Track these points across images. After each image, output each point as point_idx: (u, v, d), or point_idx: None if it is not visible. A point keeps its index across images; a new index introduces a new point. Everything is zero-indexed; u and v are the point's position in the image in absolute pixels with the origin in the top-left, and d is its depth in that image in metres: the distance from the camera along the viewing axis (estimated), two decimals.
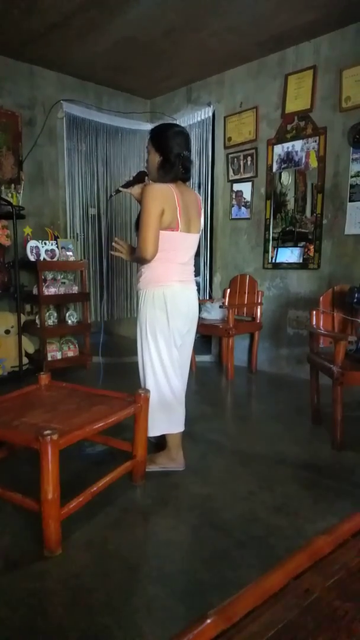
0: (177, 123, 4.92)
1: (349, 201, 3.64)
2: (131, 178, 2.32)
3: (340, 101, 3.61)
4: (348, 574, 0.82)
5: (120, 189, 2.33)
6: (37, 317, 4.13)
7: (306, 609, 0.73)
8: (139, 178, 2.28)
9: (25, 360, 4.04)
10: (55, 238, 4.28)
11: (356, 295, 2.70)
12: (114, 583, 1.53)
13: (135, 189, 2.25)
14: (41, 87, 4.44)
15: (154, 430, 2.26)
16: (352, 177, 3.62)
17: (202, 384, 4.01)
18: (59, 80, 4.56)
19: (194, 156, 4.89)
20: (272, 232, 4.23)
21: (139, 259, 2.14)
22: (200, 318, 4.51)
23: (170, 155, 2.11)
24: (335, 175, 3.74)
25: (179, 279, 2.18)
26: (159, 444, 2.45)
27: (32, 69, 4.36)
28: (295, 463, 2.43)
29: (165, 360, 2.22)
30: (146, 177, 2.27)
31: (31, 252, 4.03)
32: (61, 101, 4.54)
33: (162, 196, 2.03)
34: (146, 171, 2.27)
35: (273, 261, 4.24)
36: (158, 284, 2.15)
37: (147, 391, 2.17)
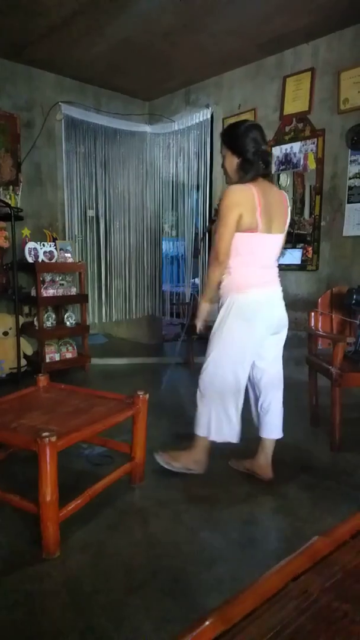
0: (174, 124, 4.96)
1: (347, 203, 3.65)
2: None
3: (339, 103, 3.62)
4: (347, 575, 0.81)
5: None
6: (35, 318, 4.13)
7: (305, 611, 0.73)
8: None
9: (23, 362, 4.03)
10: (54, 240, 4.28)
11: (354, 296, 2.70)
12: (112, 585, 1.53)
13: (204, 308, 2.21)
14: (40, 89, 4.44)
15: (201, 430, 2.20)
16: (350, 178, 3.63)
17: None
18: (58, 82, 4.57)
19: (192, 158, 4.91)
20: None
21: (209, 264, 2.09)
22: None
23: (248, 154, 1.99)
24: (333, 177, 3.75)
25: (260, 284, 2.08)
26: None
27: (31, 70, 4.36)
28: (294, 465, 2.43)
29: (238, 371, 2.11)
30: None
31: (29, 253, 4.03)
32: (60, 103, 4.54)
33: (239, 200, 1.94)
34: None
35: None
36: (238, 291, 2.05)
37: (146, 393, 2.16)
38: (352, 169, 3.61)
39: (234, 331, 2.07)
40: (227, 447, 2.31)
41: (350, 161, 3.61)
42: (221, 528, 1.86)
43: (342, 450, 2.55)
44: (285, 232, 2.14)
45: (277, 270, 2.18)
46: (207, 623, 0.67)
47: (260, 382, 2.23)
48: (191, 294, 5.21)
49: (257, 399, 2.28)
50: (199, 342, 5.08)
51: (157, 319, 5.65)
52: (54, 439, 1.61)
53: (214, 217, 2.11)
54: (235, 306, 2.05)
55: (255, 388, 2.27)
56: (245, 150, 2.00)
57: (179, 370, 4.45)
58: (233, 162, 2.06)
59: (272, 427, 2.26)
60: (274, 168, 4.16)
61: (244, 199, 1.94)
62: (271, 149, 2.07)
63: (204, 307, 2.18)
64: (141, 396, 2.13)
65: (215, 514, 1.96)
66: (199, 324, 2.20)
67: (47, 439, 1.59)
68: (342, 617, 0.71)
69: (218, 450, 2.57)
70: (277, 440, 2.75)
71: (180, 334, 4.47)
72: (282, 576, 0.79)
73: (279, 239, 2.10)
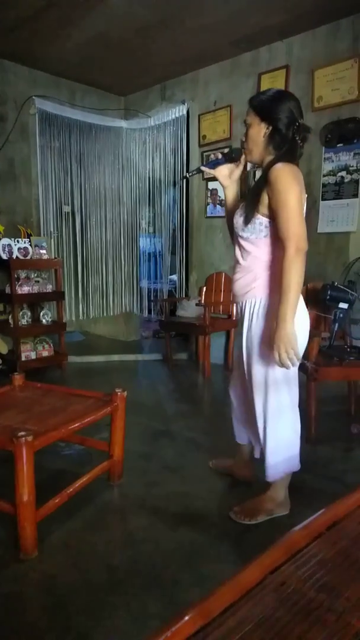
0: (150, 119, 4.93)
1: (321, 200, 3.70)
2: (219, 157, 1.90)
3: (313, 101, 3.67)
4: (323, 566, 0.83)
5: (204, 168, 1.94)
6: (10, 316, 4.05)
7: (282, 603, 0.74)
8: (232, 157, 1.87)
9: None
10: (28, 236, 4.21)
11: (329, 292, 2.75)
12: (91, 583, 1.52)
13: (223, 170, 1.89)
14: (12, 82, 4.35)
15: (276, 475, 1.87)
16: (324, 176, 3.68)
17: (179, 382, 4.02)
18: (31, 76, 4.48)
19: (168, 154, 4.90)
20: None
21: (294, 257, 1.58)
22: (176, 316, 4.54)
23: (280, 123, 1.67)
24: (307, 174, 3.79)
25: None
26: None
27: (3, 64, 4.27)
28: None
29: (295, 388, 1.82)
30: (242, 157, 1.86)
31: (3, 250, 3.95)
32: (33, 97, 4.46)
33: (300, 179, 1.63)
34: (243, 149, 1.84)
35: None
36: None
37: (124, 390, 2.15)
38: (326, 167, 3.66)
39: (298, 343, 1.69)
40: (204, 443, 2.33)
41: (324, 159, 3.66)
42: (200, 523, 1.87)
43: (318, 443, 2.60)
44: None
45: None
46: (186, 618, 0.67)
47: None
48: (169, 290, 5.22)
49: (243, 407, 2.06)
50: (176, 338, 5.10)
51: (135, 316, 5.63)
52: (30, 438, 1.59)
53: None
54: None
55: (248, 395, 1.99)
56: (277, 118, 1.67)
57: (158, 367, 4.45)
58: (260, 132, 1.71)
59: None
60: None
61: (300, 180, 1.64)
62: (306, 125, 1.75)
63: (291, 326, 1.62)
64: (119, 394, 2.12)
65: (193, 510, 1.97)
66: (296, 351, 1.65)
67: (24, 438, 1.57)
68: (318, 607, 0.73)
69: (196, 447, 2.59)
70: None
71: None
72: (260, 569, 0.80)
73: None
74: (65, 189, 4.92)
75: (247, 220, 1.72)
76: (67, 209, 5.00)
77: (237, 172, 1.92)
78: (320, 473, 2.29)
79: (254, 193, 1.72)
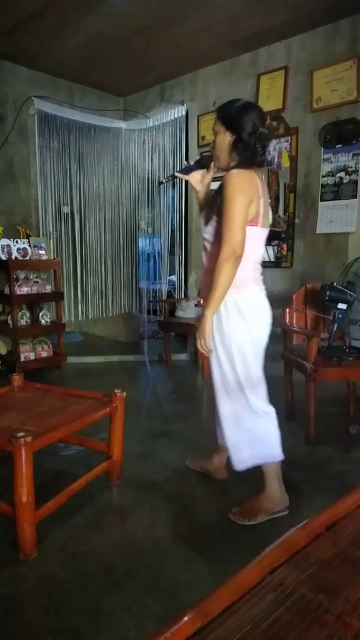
0: (149, 120, 4.93)
1: (320, 201, 3.71)
2: (191, 163, 2.01)
3: (312, 102, 3.67)
4: (322, 566, 0.83)
5: (177, 174, 2.03)
6: (9, 317, 4.05)
7: (281, 603, 0.74)
8: (202, 164, 1.98)
9: None
10: (27, 236, 4.21)
11: (328, 293, 2.75)
12: (90, 584, 1.52)
13: (195, 176, 1.98)
14: (11, 83, 4.35)
15: (241, 464, 1.93)
16: (323, 177, 3.68)
17: (178, 383, 4.02)
18: (30, 77, 4.48)
19: (167, 155, 4.90)
20: None
21: (226, 260, 1.70)
22: (175, 317, 4.53)
23: (243, 133, 1.77)
24: (306, 175, 3.80)
25: (257, 280, 1.89)
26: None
27: (2, 64, 4.27)
28: None
29: (252, 376, 1.87)
30: (212, 164, 1.96)
31: (2, 250, 3.95)
32: (32, 98, 4.46)
33: (249, 186, 1.72)
34: (212, 156, 1.94)
35: None
36: (241, 288, 1.80)
37: (123, 391, 2.15)
38: (325, 167, 3.66)
39: (242, 336, 1.83)
40: (204, 443, 2.33)
41: (323, 159, 3.67)
42: (199, 524, 1.87)
43: (317, 443, 2.60)
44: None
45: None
46: (185, 619, 0.67)
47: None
48: (168, 291, 5.21)
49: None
50: (175, 338, 5.10)
51: (134, 316, 5.63)
52: (29, 439, 1.59)
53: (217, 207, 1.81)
54: (240, 306, 1.82)
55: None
56: (241, 128, 1.77)
57: (157, 368, 4.45)
58: (226, 140, 1.82)
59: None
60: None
61: (252, 186, 1.74)
62: (267, 134, 1.87)
63: (211, 322, 1.79)
64: (118, 394, 2.12)
65: (193, 510, 1.97)
66: (206, 344, 1.82)
67: (23, 439, 1.57)
68: (317, 608, 0.73)
69: (196, 447, 2.59)
70: None
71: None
72: (260, 570, 0.80)
73: (267, 232, 1.92)
74: (64, 190, 4.92)
75: (206, 222, 1.85)
76: (66, 209, 5.00)
77: (209, 177, 2.03)
78: (319, 473, 2.29)
79: (214, 196, 1.85)
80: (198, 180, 2.01)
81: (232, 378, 1.87)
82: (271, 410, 1.94)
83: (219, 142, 1.85)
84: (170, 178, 2.12)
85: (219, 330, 1.85)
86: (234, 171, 1.74)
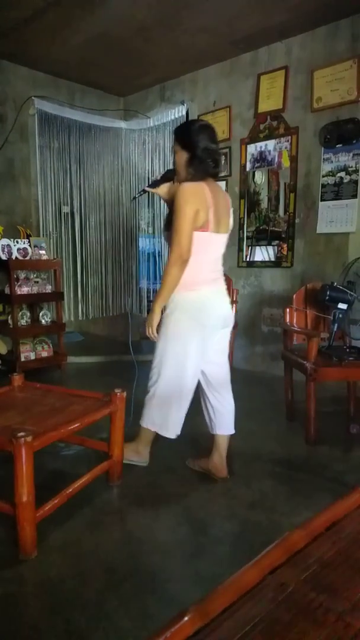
0: (149, 120, 4.94)
1: (320, 200, 3.70)
2: (158, 177, 2.24)
3: (312, 101, 3.67)
4: (322, 566, 0.83)
5: (147, 188, 2.25)
6: (9, 317, 4.05)
7: (282, 603, 0.74)
8: (167, 177, 2.20)
9: None
10: (28, 236, 4.21)
11: (328, 292, 2.75)
12: (91, 584, 1.52)
13: (162, 189, 2.20)
14: (12, 83, 4.35)
15: (146, 422, 2.23)
16: (323, 176, 3.68)
17: None
18: (31, 77, 4.48)
19: (167, 155, 4.89)
20: (246, 231, 4.26)
21: (173, 263, 1.96)
22: None
23: (197, 150, 2.01)
24: (307, 174, 3.80)
25: (209, 281, 2.09)
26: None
27: (3, 64, 4.27)
28: (271, 459, 2.46)
29: (187, 368, 2.10)
30: (175, 177, 2.18)
31: (2, 250, 3.95)
32: (33, 97, 4.46)
33: (196, 196, 1.94)
34: (174, 170, 2.17)
35: (247, 260, 4.28)
36: (188, 288, 2.03)
37: (123, 391, 2.15)
38: (325, 167, 3.66)
39: (182, 329, 2.06)
40: (203, 443, 2.33)
41: (323, 159, 3.66)
42: (199, 524, 1.87)
43: (317, 443, 2.60)
44: (229, 233, 2.19)
45: (222, 268, 2.22)
46: (186, 618, 0.67)
47: (212, 381, 2.24)
48: None
49: (209, 398, 2.27)
50: None
51: (135, 316, 5.63)
52: (29, 439, 1.59)
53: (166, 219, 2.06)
54: (183, 303, 2.05)
55: (208, 387, 2.26)
56: (194, 147, 2.02)
57: None
58: (183, 157, 2.06)
59: (224, 424, 2.26)
60: (248, 165, 4.19)
61: (199, 196, 1.95)
62: (218, 148, 2.10)
63: (158, 314, 2.07)
64: (118, 394, 2.12)
65: (193, 510, 1.97)
66: (153, 332, 2.09)
67: (23, 439, 1.57)
68: (317, 608, 0.73)
69: (195, 447, 2.59)
70: (253, 435, 2.79)
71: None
72: (260, 570, 0.80)
73: (225, 238, 2.15)
74: (64, 190, 4.92)
75: (166, 227, 2.06)
76: (66, 209, 5.00)
77: (174, 188, 2.17)
78: (319, 473, 2.29)
79: (172, 204, 2.03)
80: (165, 192, 2.21)
81: (170, 362, 2.11)
82: (188, 404, 2.20)
83: (177, 160, 2.09)
84: (141, 192, 2.34)
85: (163, 323, 2.10)
86: (184, 184, 1.97)
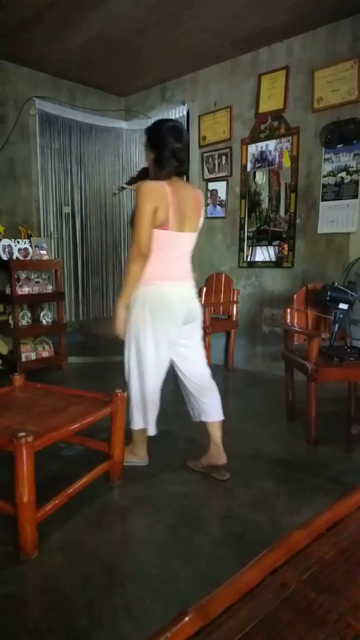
0: (150, 120, 4.93)
1: (321, 200, 3.70)
2: (134, 175, 2.28)
3: (313, 102, 3.67)
4: (323, 566, 0.83)
5: (124, 185, 2.33)
6: (10, 317, 4.06)
7: (282, 603, 0.74)
8: (142, 175, 2.23)
9: None
10: (29, 237, 4.21)
11: (329, 293, 2.75)
12: (91, 584, 1.52)
13: (137, 186, 2.23)
14: (12, 83, 4.35)
15: (132, 424, 2.27)
16: (324, 177, 3.68)
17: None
18: (31, 77, 4.48)
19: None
20: (247, 231, 4.26)
21: (133, 259, 2.04)
22: None
23: (162, 150, 2.05)
24: (307, 175, 3.80)
25: (171, 277, 2.12)
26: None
27: (3, 64, 4.27)
28: (271, 459, 2.46)
29: (149, 360, 2.15)
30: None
31: (4, 251, 3.95)
32: (33, 98, 4.46)
33: (154, 194, 1.98)
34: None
35: (248, 260, 4.28)
36: (147, 282, 2.08)
37: (124, 391, 2.15)
38: (326, 167, 3.66)
39: (141, 324, 2.11)
40: (204, 443, 2.32)
41: (324, 159, 3.66)
42: (200, 524, 1.87)
43: (318, 444, 2.60)
44: (198, 230, 2.20)
45: (189, 266, 2.24)
46: (186, 619, 0.67)
47: (192, 378, 2.28)
48: None
49: (190, 391, 2.30)
50: None
51: None
52: (30, 439, 1.59)
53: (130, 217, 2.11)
54: (142, 298, 2.09)
55: (188, 380, 2.30)
56: (159, 146, 2.06)
57: None
58: (150, 157, 2.11)
59: (212, 410, 2.28)
60: (249, 166, 4.19)
61: (158, 195, 1.98)
62: (183, 148, 2.10)
63: (123, 309, 2.12)
64: (119, 394, 2.12)
65: (193, 510, 1.97)
66: (118, 328, 2.15)
67: (24, 439, 1.57)
68: (318, 608, 0.73)
69: (196, 447, 2.59)
70: (254, 435, 2.79)
71: None
72: (260, 570, 0.80)
73: (191, 237, 2.16)
74: (65, 190, 4.93)
75: (131, 224, 2.10)
76: (67, 209, 5.00)
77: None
78: (320, 474, 2.29)
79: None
80: None
81: (134, 357, 2.17)
82: (158, 392, 2.26)
83: (147, 158, 2.16)
84: (120, 189, 2.44)
85: (128, 318, 2.14)
86: (143, 183, 2.03)
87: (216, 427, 2.28)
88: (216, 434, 2.28)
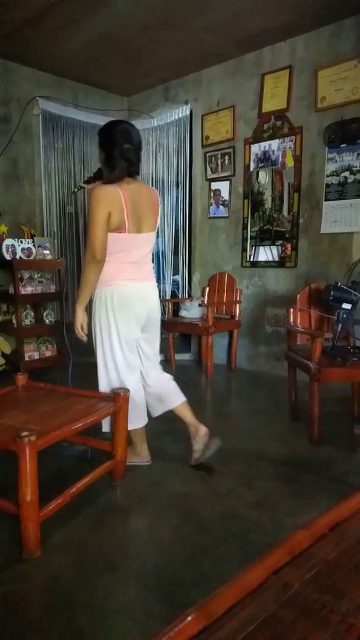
0: (153, 120, 4.94)
1: (325, 200, 3.69)
2: (91, 175, 2.31)
3: (316, 101, 3.66)
4: (326, 567, 0.83)
5: (82, 185, 2.35)
6: (13, 316, 4.06)
7: (285, 603, 0.74)
8: (98, 175, 2.25)
9: (1, 360, 3.97)
10: (32, 236, 4.22)
11: (332, 292, 2.74)
12: (94, 583, 1.52)
13: (94, 186, 2.24)
14: (16, 83, 4.36)
15: (134, 423, 2.28)
16: (327, 176, 3.67)
17: (182, 382, 3.99)
18: (35, 77, 4.49)
19: (171, 155, 4.89)
20: (250, 231, 4.26)
21: (87, 264, 2.05)
22: (179, 317, 4.53)
23: (112, 151, 2.05)
24: (311, 174, 3.79)
25: (132, 277, 2.14)
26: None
27: (7, 64, 4.28)
28: (274, 459, 2.46)
29: (117, 358, 2.19)
30: None
31: (7, 250, 3.95)
32: (37, 98, 4.47)
33: (107, 199, 1.98)
34: None
35: (251, 259, 4.28)
36: (108, 283, 2.11)
37: (127, 391, 2.16)
38: (329, 167, 3.65)
39: (104, 323, 2.14)
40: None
41: (328, 159, 3.65)
42: (203, 524, 1.87)
43: (321, 444, 2.59)
44: (156, 229, 2.22)
45: (150, 266, 2.25)
46: (189, 619, 0.67)
47: (147, 367, 2.36)
48: (172, 291, 5.22)
49: (149, 383, 2.36)
50: (179, 338, 5.09)
51: None
52: (33, 438, 1.59)
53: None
54: (103, 298, 2.12)
55: (146, 375, 2.36)
56: (108, 147, 2.06)
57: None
58: (101, 157, 2.13)
59: (172, 396, 2.35)
60: (252, 165, 4.18)
61: (111, 199, 1.98)
62: (133, 149, 2.09)
63: (80, 313, 2.15)
64: (122, 394, 2.12)
65: (196, 510, 1.97)
66: (78, 331, 2.18)
67: (27, 438, 1.58)
68: (321, 608, 0.73)
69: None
70: (257, 435, 2.79)
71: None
72: (263, 570, 0.80)
73: (149, 237, 2.17)
74: (68, 190, 4.93)
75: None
76: (70, 209, 5.01)
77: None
78: (323, 474, 2.29)
79: None
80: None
81: (102, 357, 2.21)
82: (139, 388, 2.29)
83: (99, 159, 2.17)
84: (79, 188, 2.45)
85: (92, 318, 2.18)
86: (95, 188, 2.02)
87: (182, 408, 2.34)
88: (186, 415, 2.33)
